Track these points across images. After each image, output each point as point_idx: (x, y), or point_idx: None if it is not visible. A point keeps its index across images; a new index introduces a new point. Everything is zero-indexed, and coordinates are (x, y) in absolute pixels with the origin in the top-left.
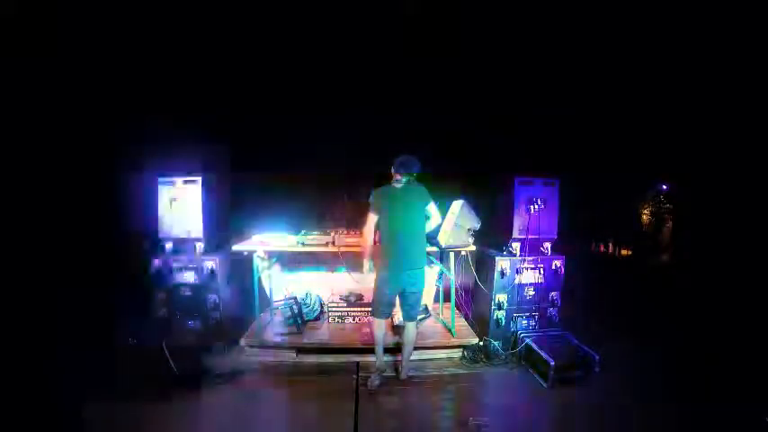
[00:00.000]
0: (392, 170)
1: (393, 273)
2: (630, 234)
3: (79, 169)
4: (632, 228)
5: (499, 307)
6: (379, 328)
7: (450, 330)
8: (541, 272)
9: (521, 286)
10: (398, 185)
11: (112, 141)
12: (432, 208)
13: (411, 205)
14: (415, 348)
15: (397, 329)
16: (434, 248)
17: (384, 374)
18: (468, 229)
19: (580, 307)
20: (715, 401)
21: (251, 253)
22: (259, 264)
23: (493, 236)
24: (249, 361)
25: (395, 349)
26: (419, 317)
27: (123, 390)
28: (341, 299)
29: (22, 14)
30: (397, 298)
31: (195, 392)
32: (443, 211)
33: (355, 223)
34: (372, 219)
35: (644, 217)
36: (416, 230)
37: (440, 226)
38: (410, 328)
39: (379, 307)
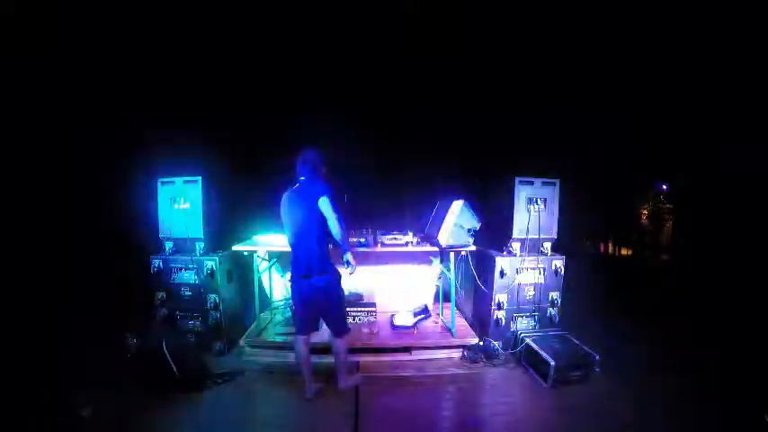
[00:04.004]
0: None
1: (296, 281)
2: (630, 234)
3: (79, 169)
4: (632, 228)
5: (499, 307)
6: (297, 345)
7: (450, 330)
8: (541, 272)
9: (521, 286)
10: (296, 185)
11: (113, 142)
12: (323, 204)
13: (303, 206)
14: (415, 348)
15: (396, 330)
16: (434, 248)
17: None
18: (469, 229)
19: (580, 307)
20: (715, 401)
21: (251, 253)
22: (259, 264)
23: (493, 236)
24: (249, 361)
25: (394, 350)
26: (418, 317)
27: (123, 390)
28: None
29: (23, 14)
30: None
31: (195, 393)
32: (443, 210)
33: (355, 223)
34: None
35: (644, 217)
36: (311, 234)
37: (338, 232)
38: (335, 343)
39: (297, 321)
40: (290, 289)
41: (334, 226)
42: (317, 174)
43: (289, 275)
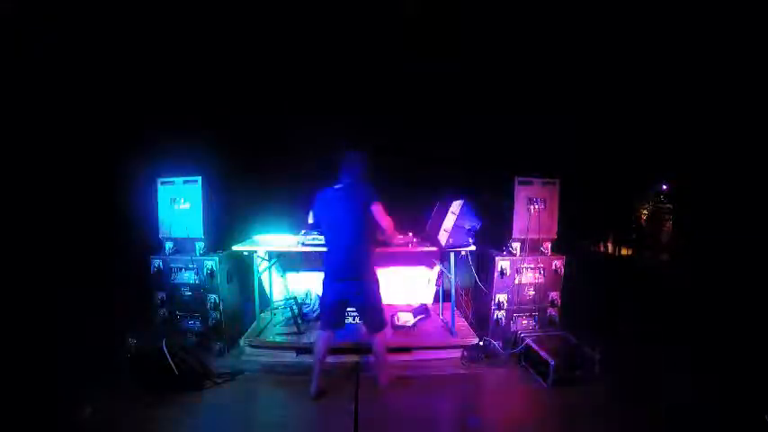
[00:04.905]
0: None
1: (334, 282)
2: (630, 234)
3: (80, 169)
4: (632, 227)
5: (499, 307)
6: (319, 340)
7: (450, 330)
8: (541, 272)
9: (521, 286)
10: (340, 186)
11: (113, 142)
12: (377, 210)
13: (351, 208)
14: (415, 348)
15: (396, 330)
16: (434, 248)
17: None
18: (468, 229)
19: (580, 307)
20: (715, 401)
21: (251, 253)
22: (259, 264)
23: (493, 236)
24: (249, 361)
25: (394, 350)
26: (418, 317)
27: (123, 390)
28: None
29: (22, 15)
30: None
31: (195, 393)
32: (443, 210)
33: None
34: (309, 221)
35: (643, 217)
36: (359, 236)
37: (390, 236)
38: (375, 340)
39: (325, 319)
40: (323, 284)
41: (388, 230)
42: (363, 177)
43: (288, 275)
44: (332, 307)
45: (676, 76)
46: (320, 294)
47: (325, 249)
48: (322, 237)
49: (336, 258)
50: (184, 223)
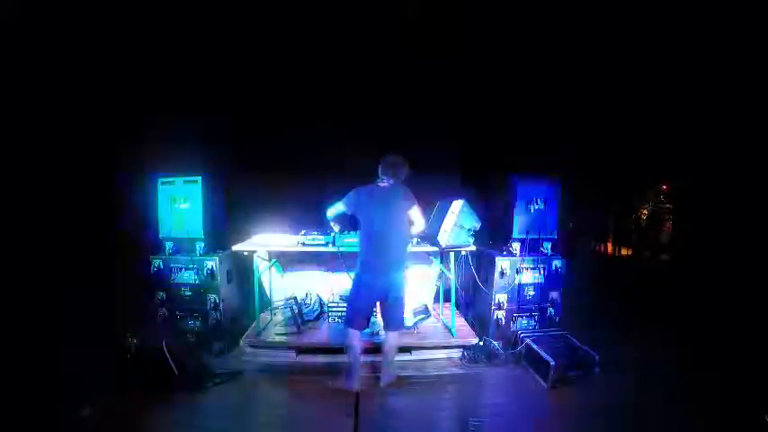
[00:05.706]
0: (378, 170)
1: (371, 277)
2: (630, 234)
3: (80, 169)
4: (632, 227)
5: (499, 307)
6: (354, 339)
7: (450, 330)
8: (541, 272)
9: (521, 286)
10: (382, 185)
11: (113, 141)
12: (414, 212)
13: (393, 207)
14: (415, 348)
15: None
16: (434, 248)
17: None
18: (468, 229)
19: (580, 307)
20: (715, 401)
21: (251, 253)
22: (259, 264)
23: (493, 236)
24: (249, 361)
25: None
26: (418, 317)
27: (123, 390)
28: (341, 299)
29: (22, 13)
30: (378, 307)
31: (195, 393)
32: (443, 210)
33: (355, 223)
34: (337, 208)
35: (644, 217)
36: (398, 233)
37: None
38: (391, 337)
39: (355, 316)
40: (359, 280)
41: (420, 229)
42: (402, 179)
43: (288, 275)
44: (368, 302)
45: (677, 76)
46: (352, 290)
47: (356, 248)
48: (322, 237)
49: (377, 253)
50: (184, 223)
